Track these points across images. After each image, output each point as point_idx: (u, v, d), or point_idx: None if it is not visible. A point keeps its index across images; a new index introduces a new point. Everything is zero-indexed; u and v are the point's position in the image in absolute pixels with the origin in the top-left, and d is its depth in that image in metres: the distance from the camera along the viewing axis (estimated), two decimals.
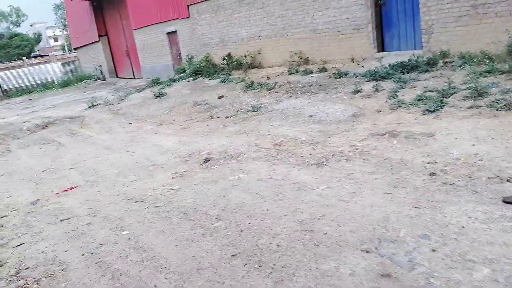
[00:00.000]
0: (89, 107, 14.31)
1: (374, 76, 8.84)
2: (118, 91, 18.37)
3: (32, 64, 40.56)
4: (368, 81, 8.73)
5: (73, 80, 27.85)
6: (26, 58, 48.40)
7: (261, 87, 10.82)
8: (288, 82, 10.61)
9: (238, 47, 14.87)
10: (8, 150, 9.61)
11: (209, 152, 6.48)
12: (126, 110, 12.40)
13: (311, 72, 11.15)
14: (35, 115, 15.07)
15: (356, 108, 7.34)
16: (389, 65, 9.12)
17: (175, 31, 18.04)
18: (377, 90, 7.91)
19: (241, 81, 12.36)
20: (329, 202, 4.07)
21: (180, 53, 18.31)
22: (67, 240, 4.24)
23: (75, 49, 31.48)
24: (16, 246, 4.29)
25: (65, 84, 27.28)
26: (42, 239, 4.38)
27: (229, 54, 15.20)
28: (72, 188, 5.92)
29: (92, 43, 26.95)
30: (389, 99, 7.28)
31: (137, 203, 4.94)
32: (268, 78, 11.84)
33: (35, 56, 51.67)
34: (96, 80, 26.96)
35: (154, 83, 16.40)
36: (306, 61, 12.32)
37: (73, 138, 9.82)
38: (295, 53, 12.46)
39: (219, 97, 11.08)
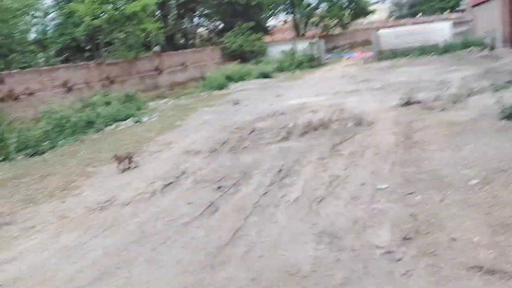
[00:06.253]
0: (402, 105, 9.44)
1: None
2: (487, 74, 12.17)
3: (445, 20, 35.82)
4: None
5: (457, 45, 22.20)
6: (450, 12, 43.18)
7: None
8: None
9: None
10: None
11: None
12: (426, 136, 7.01)
13: None
14: (336, 100, 11.10)
15: None
16: None
17: None
18: None
19: None
20: None
21: None
22: None
23: (473, 6, 25.14)
24: None
25: (445, 49, 22.08)
26: None
27: None
28: None
29: None
30: None
31: None
32: None
33: (458, 11, 45.76)
34: (483, 49, 20.42)
35: None
36: None
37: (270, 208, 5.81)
38: None
39: None
